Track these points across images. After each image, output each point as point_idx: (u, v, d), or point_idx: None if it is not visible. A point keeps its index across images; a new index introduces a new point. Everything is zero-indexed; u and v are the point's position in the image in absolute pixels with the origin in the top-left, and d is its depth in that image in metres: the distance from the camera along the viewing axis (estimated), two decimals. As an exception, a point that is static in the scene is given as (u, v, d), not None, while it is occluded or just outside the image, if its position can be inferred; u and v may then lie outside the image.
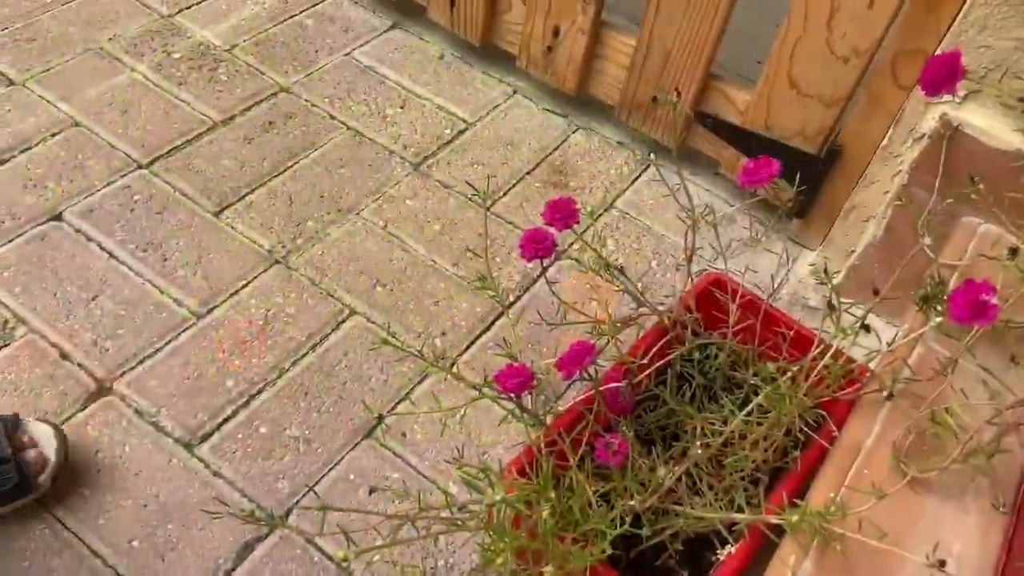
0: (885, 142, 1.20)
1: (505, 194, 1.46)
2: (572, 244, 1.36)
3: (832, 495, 0.78)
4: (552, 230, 0.82)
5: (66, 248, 1.26)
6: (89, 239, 1.27)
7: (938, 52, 1.09)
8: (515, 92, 1.64)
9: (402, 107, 1.57)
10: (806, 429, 0.86)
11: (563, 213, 0.83)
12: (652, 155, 1.16)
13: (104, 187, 1.34)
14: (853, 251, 1.29)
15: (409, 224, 1.38)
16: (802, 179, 1.32)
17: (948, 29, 1.07)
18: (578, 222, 0.82)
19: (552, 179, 1.50)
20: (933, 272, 0.88)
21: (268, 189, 1.39)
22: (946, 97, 1.08)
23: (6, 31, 1.56)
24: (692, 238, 0.89)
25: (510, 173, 1.49)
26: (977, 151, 1.07)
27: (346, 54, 1.65)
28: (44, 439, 1.00)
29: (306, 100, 1.55)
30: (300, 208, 1.37)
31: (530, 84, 1.65)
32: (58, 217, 1.29)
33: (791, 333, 0.96)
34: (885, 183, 1.22)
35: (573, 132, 1.59)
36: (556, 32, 1.51)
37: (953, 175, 1.08)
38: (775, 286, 0.99)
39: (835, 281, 1.32)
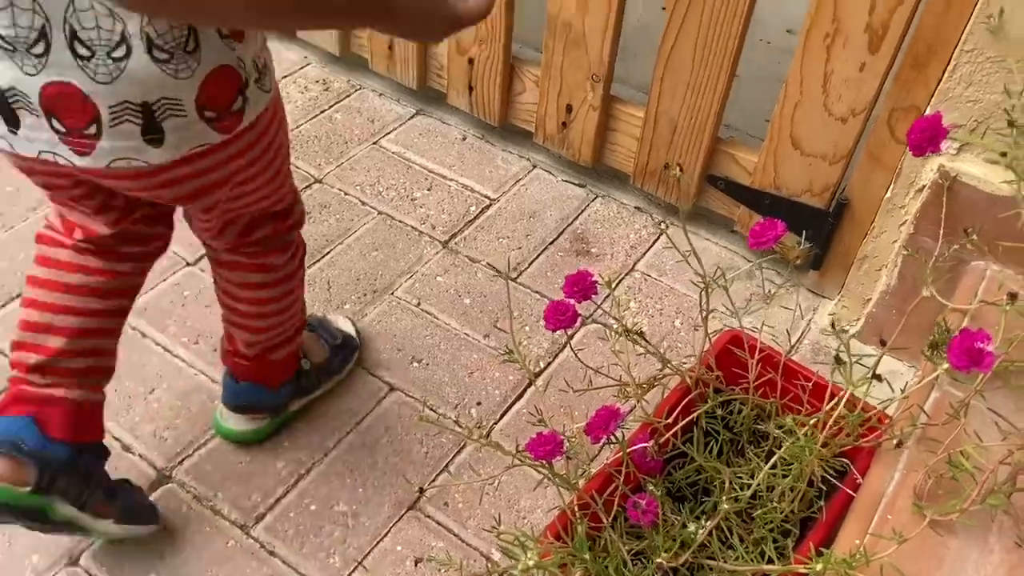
0: (888, 195, 1.25)
1: (530, 265, 1.53)
2: (596, 310, 1.41)
3: (857, 542, 0.81)
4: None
5: (124, 346, 1.34)
6: (144, 335, 1.36)
7: (929, 107, 1.14)
8: (535, 166, 1.72)
9: (429, 189, 1.66)
10: (831, 478, 0.89)
11: (581, 286, 0.89)
12: (663, 223, 1.21)
13: (156, 285, 1.44)
14: (869, 299, 1.33)
15: (441, 300, 1.45)
16: (813, 233, 1.37)
17: (937, 86, 1.13)
18: (596, 293, 0.88)
19: (575, 247, 1.56)
20: (940, 319, 0.92)
21: (308, 276, 1.47)
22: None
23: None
24: (706, 301, 0.95)
25: (534, 244, 1.56)
26: (976, 199, 1.12)
27: (374, 143, 1.75)
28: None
29: (339, 189, 1.64)
30: (338, 292, 1.45)
31: (548, 157, 1.74)
32: (115, 316, 1.38)
33: (810, 384, 1.00)
34: (893, 233, 1.26)
35: (592, 200, 1.66)
36: (569, 109, 1.59)
37: (956, 223, 1.12)
38: (793, 340, 1.04)
39: (854, 329, 1.36)
